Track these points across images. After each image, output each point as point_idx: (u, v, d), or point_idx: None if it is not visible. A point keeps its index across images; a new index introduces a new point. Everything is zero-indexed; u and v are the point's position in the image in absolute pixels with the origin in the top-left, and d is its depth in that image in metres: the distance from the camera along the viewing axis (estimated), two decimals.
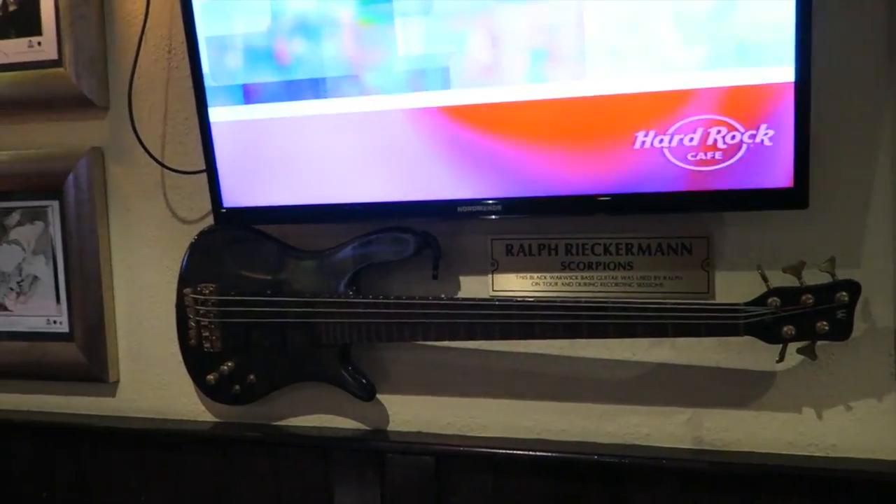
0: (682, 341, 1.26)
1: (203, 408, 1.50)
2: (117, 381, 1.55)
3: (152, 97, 1.47)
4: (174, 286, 1.46)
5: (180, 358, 1.47)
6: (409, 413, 1.39)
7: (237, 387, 1.40)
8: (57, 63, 1.49)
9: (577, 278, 1.28)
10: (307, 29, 1.24)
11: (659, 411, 1.29)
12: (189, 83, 1.40)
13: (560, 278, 1.29)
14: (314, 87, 1.25)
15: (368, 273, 1.33)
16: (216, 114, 1.30)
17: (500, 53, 1.16)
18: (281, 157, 1.30)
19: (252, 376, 1.39)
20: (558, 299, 1.22)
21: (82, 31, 1.47)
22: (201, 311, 1.39)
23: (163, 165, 1.45)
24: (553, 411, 1.33)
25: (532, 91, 1.17)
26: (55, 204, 1.53)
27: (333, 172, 1.28)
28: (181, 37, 1.42)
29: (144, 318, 1.52)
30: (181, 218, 1.48)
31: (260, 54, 1.26)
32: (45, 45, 1.50)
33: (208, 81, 1.29)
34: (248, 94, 1.28)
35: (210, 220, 1.44)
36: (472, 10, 1.16)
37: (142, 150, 1.45)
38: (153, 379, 1.53)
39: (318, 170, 1.29)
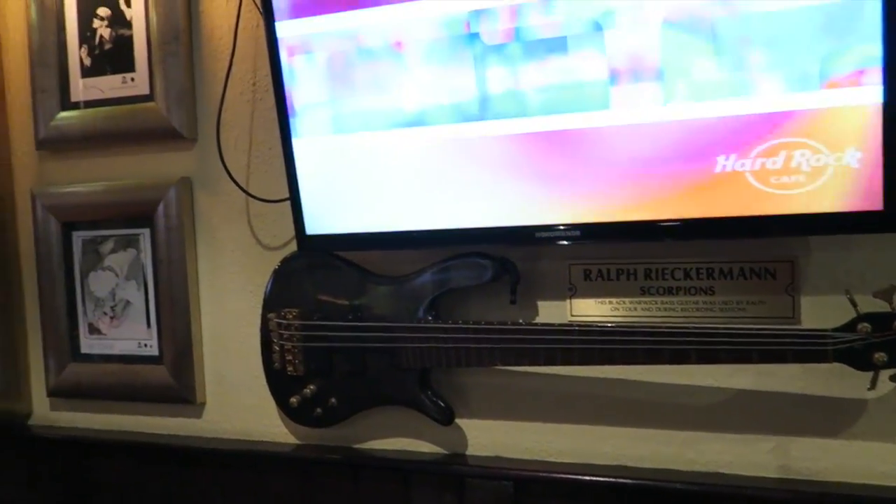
0: (765, 368, 1.23)
1: (286, 430, 1.54)
2: (204, 403, 1.60)
3: (238, 128, 1.53)
4: (258, 311, 1.50)
5: (264, 381, 1.51)
6: (488, 438, 1.40)
7: (319, 409, 1.44)
8: (149, 98, 1.57)
9: (656, 303, 1.27)
10: (388, 60, 1.27)
11: (742, 439, 1.27)
12: (273, 114, 1.46)
13: (639, 303, 1.28)
14: (394, 117, 1.29)
15: (447, 298, 1.35)
16: (300, 143, 1.35)
17: (579, 80, 1.17)
18: (362, 184, 1.33)
19: (333, 399, 1.42)
20: (639, 325, 1.22)
21: (172, 67, 1.54)
22: (285, 336, 1.43)
23: (248, 194, 1.50)
24: (633, 437, 1.32)
25: (611, 117, 1.17)
26: (146, 232, 1.60)
27: (413, 199, 1.30)
28: (265, 70, 1.48)
29: (230, 342, 1.57)
30: (265, 244, 1.53)
31: (341, 86, 1.30)
32: (137, 81, 1.58)
33: (292, 112, 1.34)
34: (331, 124, 1.32)
35: (293, 247, 1.48)
36: (549, 39, 1.17)
37: (228, 179, 1.51)
38: (238, 401, 1.58)
39: (397, 197, 1.32)
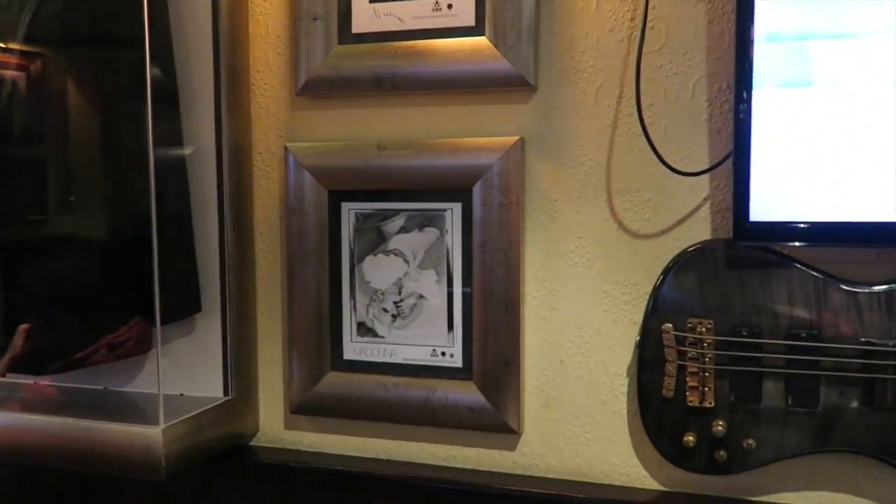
0: None
1: (644, 472, 1.19)
2: (521, 432, 1.23)
3: (601, 76, 1.16)
4: (614, 316, 1.17)
5: (616, 408, 1.18)
6: None
7: (723, 452, 1.08)
8: (473, 31, 1.19)
9: None
10: None
11: None
12: (658, 61, 1.10)
13: None
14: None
15: None
16: (761, 96, 0.99)
17: None
18: (837, 156, 0.98)
19: (750, 441, 1.07)
20: None
21: None
22: (690, 355, 1.07)
23: (667, 165, 1.10)
24: None
25: None
26: (455, 207, 1.22)
27: None
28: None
29: (566, 356, 1.21)
30: (631, 231, 1.17)
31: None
32: (457, 9, 1.20)
33: (760, 52, 0.98)
34: (808, 74, 0.97)
35: (675, 237, 1.14)
36: None
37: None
38: (570, 431, 1.22)
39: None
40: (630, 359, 1.18)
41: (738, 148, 1.00)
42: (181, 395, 1.33)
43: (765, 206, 1.01)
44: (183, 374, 1.34)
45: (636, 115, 1.14)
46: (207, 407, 1.25)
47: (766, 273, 1.05)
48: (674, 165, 1.12)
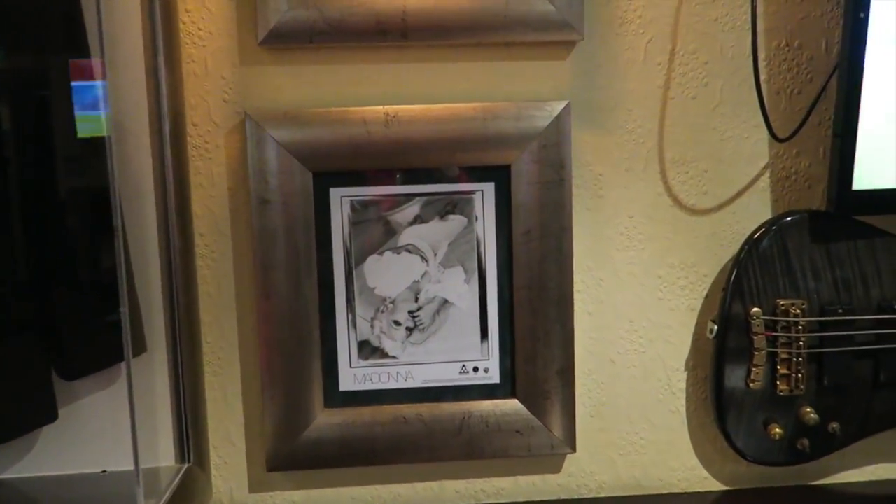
0: None
1: (705, 473, 1.07)
2: (573, 452, 1.04)
3: (651, 29, 1.00)
4: (670, 304, 1.05)
5: (674, 406, 1.06)
6: None
7: (805, 441, 1.01)
8: None
9: None
10: None
11: None
12: (713, 13, 0.99)
13: None
14: None
15: None
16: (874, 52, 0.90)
17: None
18: None
19: (835, 425, 1.01)
20: None
21: None
22: (782, 340, 0.97)
23: (772, 133, 0.97)
24: None
25: None
26: (487, 188, 0.99)
27: None
28: None
29: (617, 354, 1.04)
30: (687, 206, 1.03)
31: None
32: None
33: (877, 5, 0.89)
34: None
35: (730, 213, 1.03)
36: None
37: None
38: (623, 440, 1.06)
39: None
40: (688, 351, 1.05)
41: (846, 109, 0.91)
42: (104, 471, 0.94)
43: (867, 174, 0.93)
44: (95, 441, 0.94)
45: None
46: (175, 483, 0.89)
47: (854, 245, 0.98)
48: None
